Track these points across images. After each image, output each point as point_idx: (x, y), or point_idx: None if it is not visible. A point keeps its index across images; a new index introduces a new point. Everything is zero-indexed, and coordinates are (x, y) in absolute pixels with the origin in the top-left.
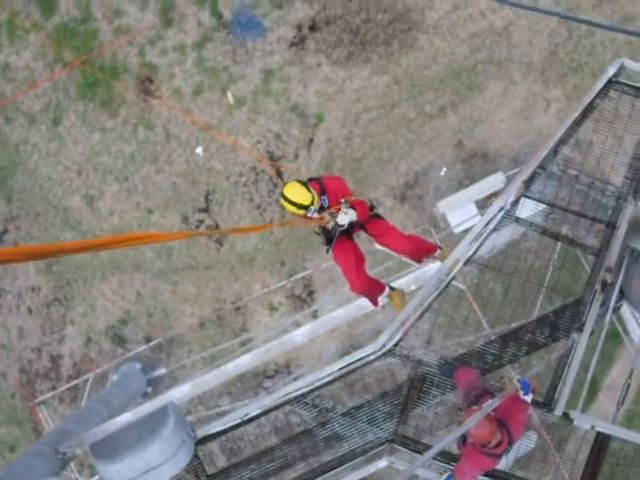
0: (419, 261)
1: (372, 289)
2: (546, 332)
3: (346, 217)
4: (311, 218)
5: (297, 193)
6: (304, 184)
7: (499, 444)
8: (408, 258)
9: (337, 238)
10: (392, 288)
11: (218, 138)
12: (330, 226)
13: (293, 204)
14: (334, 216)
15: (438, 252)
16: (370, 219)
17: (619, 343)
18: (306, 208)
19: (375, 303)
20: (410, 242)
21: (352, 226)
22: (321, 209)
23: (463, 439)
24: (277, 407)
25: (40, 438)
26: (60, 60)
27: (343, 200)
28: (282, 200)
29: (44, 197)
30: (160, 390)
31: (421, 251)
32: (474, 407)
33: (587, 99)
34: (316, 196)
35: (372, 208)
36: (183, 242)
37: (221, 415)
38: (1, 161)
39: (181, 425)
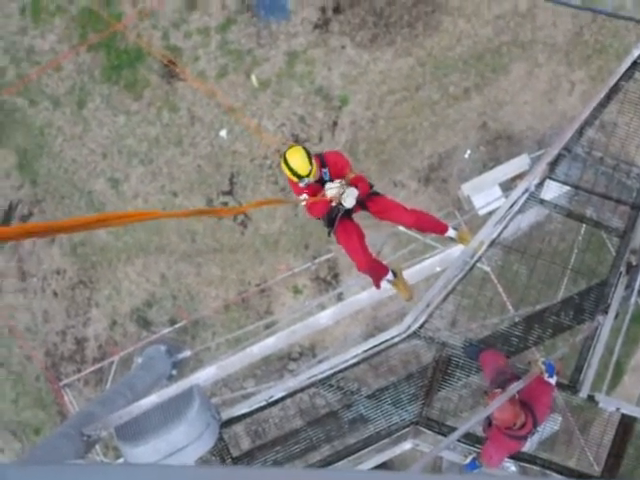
0: (428, 232)
1: (377, 269)
2: (571, 314)
3: (351, 197)
4: (305, 191)
5: (298, 160)
6: (309, 154)
7: (523, 426)
8: (416, 230)
9: (339, 220)
10: (395, 274)
11: (242, 121)
12: (335, 203)
13: (290, 169)
14: (341, 190)
15: (453, 233)
16: (370, 196)
17: None
18: (301, 178)
19: (378, 285)
20: (413, 214)
21: (352, 206)
22: (323, 183)
23: (488, 422)
24: (302, 389)
25: (65, 421)
26: (85, 43)
27: (343, 179)
28: (281, 161)
29: (69, 180)
30: (185, 373)
31: (426, 224)
32: (497, 390)
33: (612, 81)
34: (315, 169)
35: (371, 185)
36: (208, 225)
37: (246, 397)
38: (26, 144)
39: (206, 407)
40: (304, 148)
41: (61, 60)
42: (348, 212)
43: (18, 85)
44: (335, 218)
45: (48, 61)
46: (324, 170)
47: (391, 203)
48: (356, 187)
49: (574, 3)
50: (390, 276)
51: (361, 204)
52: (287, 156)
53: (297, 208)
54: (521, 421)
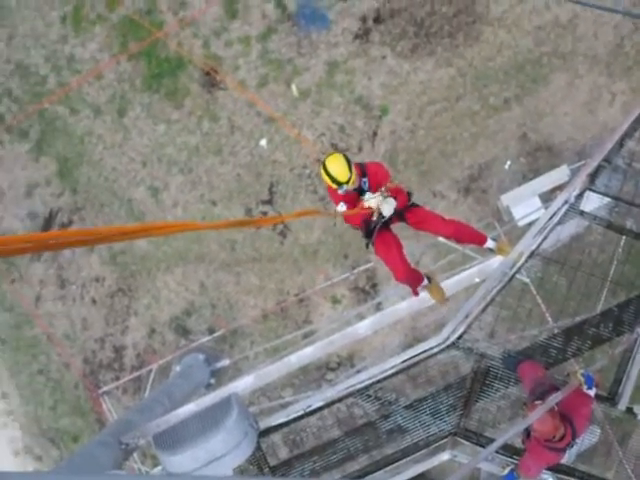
0: (467, 243)
1: (415, 278)
2: (610, 326)
3: (389, 207)
4: (343, 199)
5: (338, 166)
6: (348, 161)
7: (562, 438)
8: (454, 241)
9: (377, 231)
10: (429, 279)
11: (284, 128)
12: (375, 216)
13: (329, 176)
14: (380, 200)
15: (492, 244)
16: (408, 207)
17: None
18: (340, 185)
19: (416, 293)
20: (451, 225)
21: (390, 217)
22: (362, 192)
23: (527, 434)
24: (340, 399)
25: (103, 429)
26: (125, 51)
27: (382, 189)
28: (321, 168)
29: (109, 188)
30: (223, 381)
31: (465, 235)
32: (537, 402)
33: None
34: (355, 177)
35: (409, 197)
36: (247, 234)
37: (284, 407)
38: (66, 152)
39: (244, 416)
40: (344, 155)
41: (102, 69)
42: (386, 223)
43: (59, 94)
44: (373, 230)
45: (89, 70)
46: (364, 180)
47: (429, 214)
48: (395, 198)
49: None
50: (424, 281)
51: (399, 215)
52: (326, 163)
53: (335, 218)
54: (560, 433)
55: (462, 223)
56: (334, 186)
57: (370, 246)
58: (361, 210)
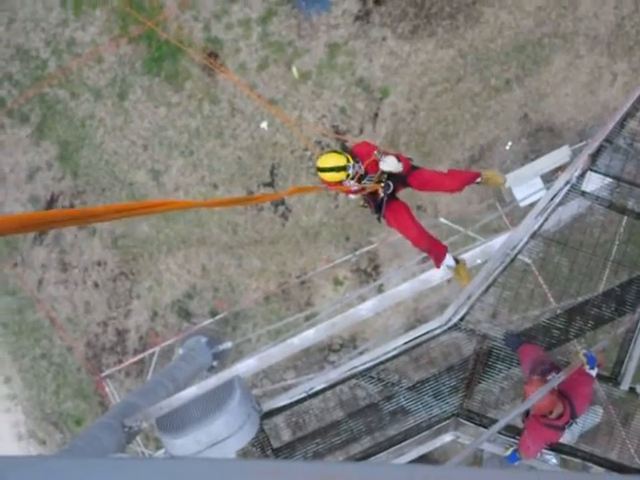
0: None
1: (434, 244)
2: (612, 306)
3: (389, 163)
4: (355, 190)
5: (331, 159)
6: (334, 151)
7: (561, 416)
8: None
9: (386, 202)
10: (457, 261)
11: (280, 117)
12: (381, 191)
13: (331, 170)
14: (379, 178)
15: (480, 178)
16: (411, 171)
17: None
18: (344, 169)
19: (438, 265)
20: (454, 179)
21: (395, 186)
22: (360, 177)
23: (526, 412)
24: (342, 381)
25: (106, 412)
26: (126, 35)
27: (375, 153)
28: (320, 174)
29: (110, 172)
30: (226, 364)
31: (464, 180)
32: (535, 377)
33: None
34: (350, 158)
35: (409, 159)
36: (248, 217)
37: (286, 389)
38: (67, 136)
39: (247, 399)
40: (330, 149)
41: (102, 52)
42: (392, 194)
43: (59, 77)
44: (381, 203)
45: (89, 53)
46: (358, 164)
47: (432, 174)
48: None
49: None
50: (452, 262)
51: (403, 182)
52: (320, 165)
53: (337, 200)
54: (558, 411)
55: (456, 171)
56: (342, 175)
57: (381, 220)
58: (372, 186)
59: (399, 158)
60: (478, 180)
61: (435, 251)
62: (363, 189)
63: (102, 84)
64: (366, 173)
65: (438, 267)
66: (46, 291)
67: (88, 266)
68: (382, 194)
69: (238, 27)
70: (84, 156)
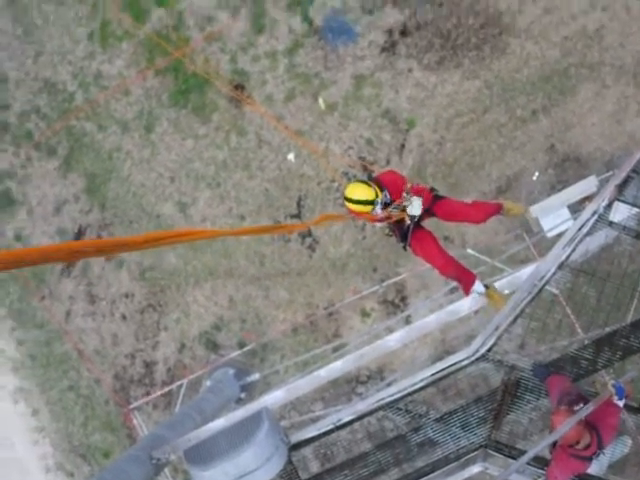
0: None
1: (462, 273)
2: None
3: (416, 206)
4: (380, 219)
5: (360, 191)
6: (363, 182)
7: (588, 447)
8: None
9: (412, 231)
10: (487, 286)
11: (307, 147)
12: (407, 219)
13: (359, 202)
14: (403, 207)
15: (505, 206)
16: (434, 201)
17: None
18: (372, 203)
19: (467, 292)
20: (479, 210)
21: (420, 215)
22: (386, 205)
23: (553, 443)
24: (370, 413)
25: (134, 444)
26: (152, 67)
27: (404, 192)
28: (347, 203)
29: (137, 204)
30: (254, 396)
31: (490, 214)
32: (562, 407)
33: None
34: (378, 190)
35: (432, 189)
36: (276, 249)
37: (314, 420)
38: (95, 169)
39: (275, 430)
40: (357, 179)
41: (129, 84)
42: (418, 222)
43: (86, 110)
44: (407, 232)
45: (116, 86)
46: (384, 193)
47: (457, 204)
48: (420, 197)
49: None
50: (481, 288)
51: (428, 211)
52: (348, 195)
53: (364, 231)
54: (585, 441)
55: (483, 203)
56: (369, 209)
57: (408, 249)
58: (397, 215)
59: (421, 194)
60: (501, 211)
61: (464, 279)
62: (389, 217)
63: (129, 117)
64: (392, 201)
65: (467, 294)
66: (74, 323)
67: (116, 298)
68: (408, 221)
69: (265, 59)
70: (111, 188)
